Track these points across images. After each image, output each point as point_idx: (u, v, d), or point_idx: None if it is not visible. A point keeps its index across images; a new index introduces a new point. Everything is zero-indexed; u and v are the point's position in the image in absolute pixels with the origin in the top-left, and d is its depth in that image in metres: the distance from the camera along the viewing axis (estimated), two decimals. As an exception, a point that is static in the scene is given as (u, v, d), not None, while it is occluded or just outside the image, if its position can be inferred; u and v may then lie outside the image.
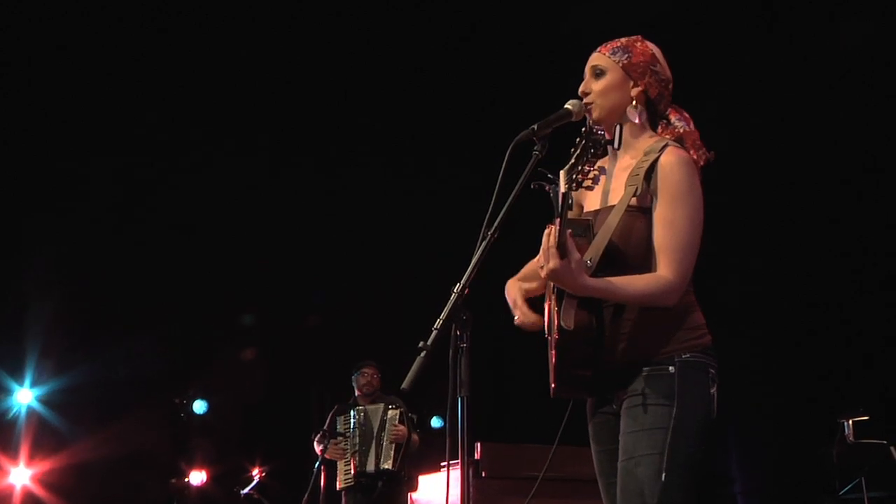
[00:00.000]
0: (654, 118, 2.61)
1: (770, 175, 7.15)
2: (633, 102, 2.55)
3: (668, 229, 2.38)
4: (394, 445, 6.48)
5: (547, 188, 2.32)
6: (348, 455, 6.57)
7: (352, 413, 6.70)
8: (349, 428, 6.65)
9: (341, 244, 8.66)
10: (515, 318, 2.58)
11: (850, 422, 6.58)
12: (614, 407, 2.49)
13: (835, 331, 7.02)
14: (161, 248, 8.43)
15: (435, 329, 2.23)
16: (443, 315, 2.24)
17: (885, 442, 6.42)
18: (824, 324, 7.06)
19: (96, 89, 7.48)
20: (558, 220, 2.26)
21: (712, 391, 2.41)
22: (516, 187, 2.36)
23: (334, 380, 7.49)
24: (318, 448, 6.59)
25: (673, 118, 2.61)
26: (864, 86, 6.45)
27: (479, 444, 5.21)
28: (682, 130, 2.58)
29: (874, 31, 6.13)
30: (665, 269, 2.37)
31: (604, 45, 2.61)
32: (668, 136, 2.56)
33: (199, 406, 8.95)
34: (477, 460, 5.16)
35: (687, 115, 2.66)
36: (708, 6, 6.73)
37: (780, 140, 6.96)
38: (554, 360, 2.44)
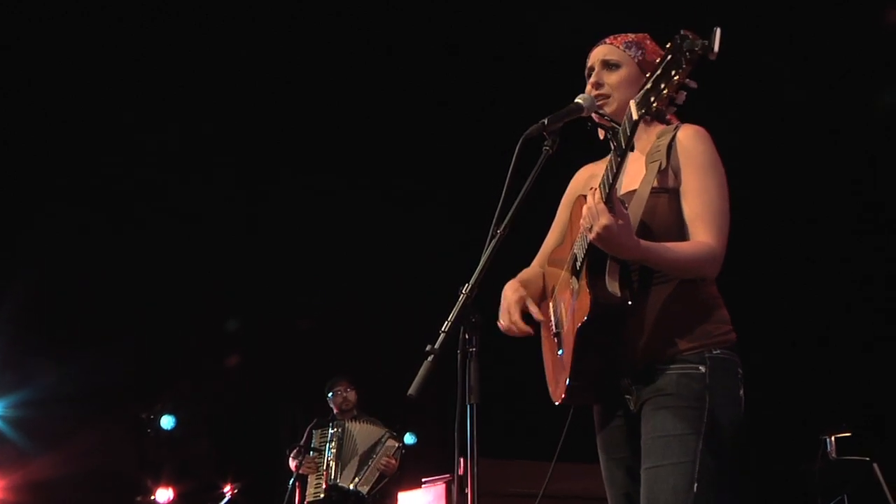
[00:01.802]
0: (662, 120, 2.50)
1: (744, 189, 7.11)
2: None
3: (701, 198, 2.27)
4: (378, 474, 6.36)
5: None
6: (321, 469, 6.43)
7: (330, 428, 6.55)
8: (325, 442, 6.51)
9: (314, 258, 8.51)
10: (501, 322, 2.44)
11: (833, 438, 6.53)
12: (631, 409, 2.33)
13: (817, 346, 6.98)
14: (128, 258, 8.23)
15: (443, 332, 2.10)
16: (451, 317, 2.12)
17: (867, 459, 6.37)
18: (806, 339, 7.02)
19: (75, 96, 7.29)
20: (606, 171, 2.13)
21: (741, 393, 2.28)
22: (526, 184, 2.25)
23: (306, 394, 7.33)
24: (292, 463, 6.45)
25: (674, 122, 2.51)
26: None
27: (462, 460, 5.06)
28: (679, 125, 2.48)
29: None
30: (705, 236, 2.25)
31: (612, 37, 2.50)
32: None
33: (167, 421, 8.75)
34: (461, 476, 5.00)
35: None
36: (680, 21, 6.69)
37: (766, 149, 6.93)
38: (568, 351, 2.29)
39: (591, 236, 2.14)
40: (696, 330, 2.26)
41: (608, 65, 2.46)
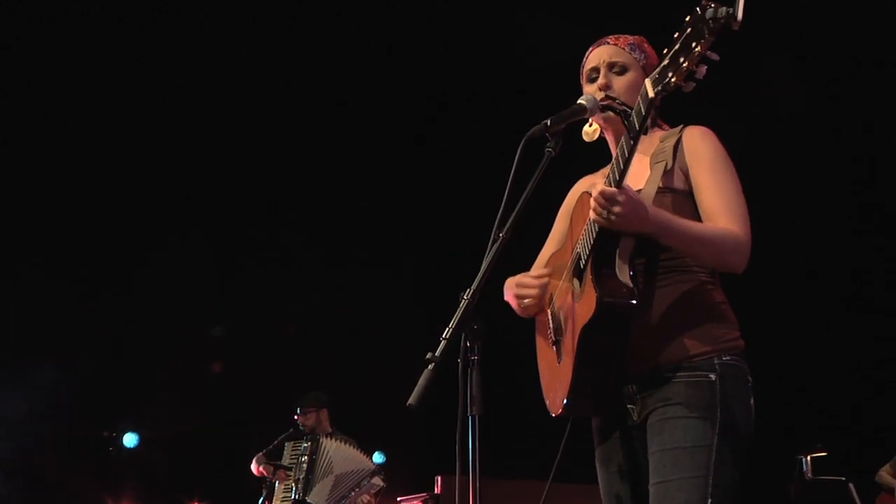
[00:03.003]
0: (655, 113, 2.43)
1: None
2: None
3: (717, 193, 2.19)
4: None
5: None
6: (290, 482, 6.24)
7: (304, 441, 6.35)
8: (297, 455, 6.31)
9: (281, 272, 8.36)
10: (525, 291, 2.34)
11: (809, 458, 6.51)
12: (634, 419, 2.23)
13: (792, 365, 6.96)
14: (91, 271, 8.01)
15: (443, 339, 2.00)
16: (452, 324, 2.02)
17: (843, 479, 6.35)
18: (781, 358, 7.00)
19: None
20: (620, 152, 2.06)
21: (752, 403, 2.20)
22: (528, 187, 2.16)
23: (275, 411, 7.13)
24: (255, 467, 6.28)
25: (666, 128, 2.44)
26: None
27: (439, 478, 4.93)
28: (683, 126, 2.41)
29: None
30: (731, 226, 2.16)
31: (613, 37, 2.42)
32: None
33: (130, 439, 8.49)
34: (437, 495, 4.88)
35: None
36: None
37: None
38: (569, 358, 2.20)
39: (612, 215, 2.04)
40: (704, 334, 2.17)
41: (616, 68, 2.37)
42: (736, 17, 1.80)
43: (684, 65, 1.87)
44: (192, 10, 6.86)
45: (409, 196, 8.18)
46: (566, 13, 6.49)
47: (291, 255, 8.40)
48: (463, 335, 2.02)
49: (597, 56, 2.40)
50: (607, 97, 2.28)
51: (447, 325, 1.99)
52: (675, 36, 1.91)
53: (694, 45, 1.86)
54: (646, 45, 2.41)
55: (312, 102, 7.70)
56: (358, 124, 7.86)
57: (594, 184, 2.45)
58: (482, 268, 2.08)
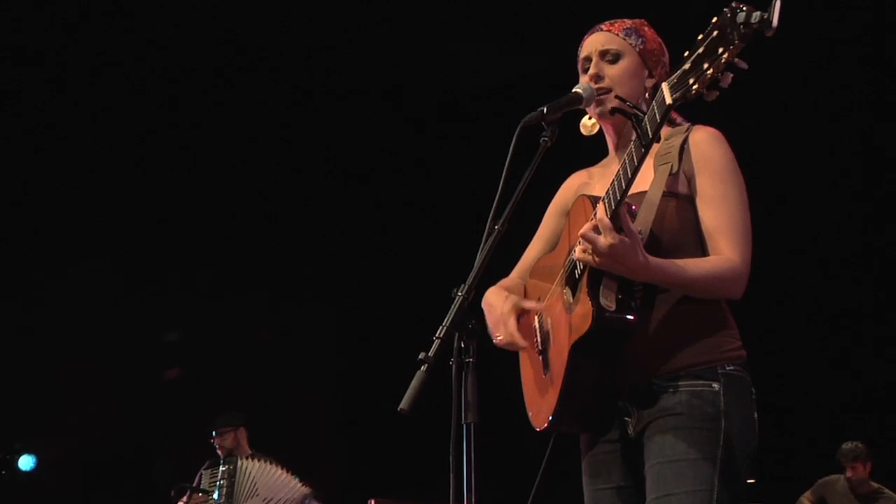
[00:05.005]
0: (670, 121, 2.30)
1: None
2: (647, 94, 2.22)
3: (720, 209, 2.06)
4: None
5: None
6: None
7: (221, 465, 6.00)
8: (215, 481, 5.96)
9: (199, 288, 8.03)
10: (497, 337, 2.14)
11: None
12: (630, 433, 2.08)
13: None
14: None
15: (437, 338, 1.82)
16: (446, 322, 1.84)
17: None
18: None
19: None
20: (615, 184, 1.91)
21: (755, 417, 2.08)
22: (524, 177, 2.02)
23: (191, 432, 6.77)
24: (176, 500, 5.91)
25: (678, 119, 2.30)
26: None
27: (373, 501, 4.68)
28: (691, 126, 2.28)
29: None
30: (729, 251, 2.03)
31: (608, 23, 2.28)
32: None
33: (26, 462, 7.99)
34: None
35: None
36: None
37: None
38: (558, 371, 2.05)
39: (594, 259, 1.91)
40: (705, 343, 2.05)
41: (609, 55, 2.22)
42: (771, 24, 1.66)
43: (708, 71, 1.72)
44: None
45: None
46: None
47: (202, 267, 8.04)
48: (457, 335, 1.84)
49: (589, 44, 2.26)
50: (617, 98, 2.13)
51: (440, 324, 1.81)
52: (699, 38, 1.75)
53: (721, 50, 1.70)
54: (645, 29, 2.27)
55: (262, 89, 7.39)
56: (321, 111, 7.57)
57: (586, 182, 2.32)
58: (477, 262, 1.91)
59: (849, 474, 6.48)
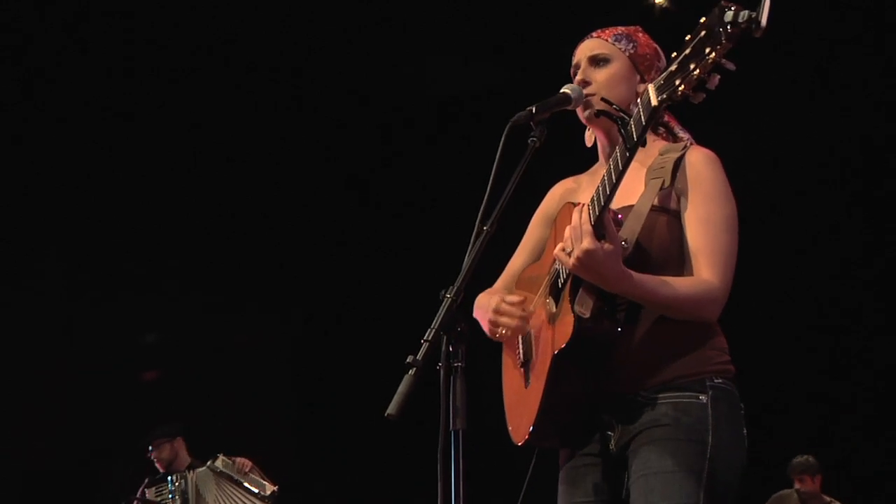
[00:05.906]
0: (656, 122, 2.25)
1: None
2: (638, 100, 2.17)
3: (705, 229, 2.02)
4: None
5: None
6: None
7: (169, 484, 5.74)
8: (164, 497, 5.74)
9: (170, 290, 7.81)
10: (503, 320, 2.08)
11: None
12: (611, 448, 2.04)
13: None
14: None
15: (425, 341, 1.77)
16: (434, 324, 1.79)
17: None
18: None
19: None
20: (601, 185, 1.89)
21: (745, 433, 2.04)
22: (512, 179, 1.97)
23: (131, 447, 6.42)
24: None
25: (676, 128, 2.27)
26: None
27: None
28: (689, 144, 2.23)
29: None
30: (708, 273, 2.00)
31: (599, 30, 2.25)
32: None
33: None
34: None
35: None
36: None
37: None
38: (539, 383, 2.01)
39: (570, 262, 1.89)
40: (693, 355, 2.01)
41: (596, 60, 2.19)
42: (760, 24, 1.63)
43: (695, 72, 1.69)
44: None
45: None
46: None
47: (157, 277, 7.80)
48: (445, 338, 1.79)
49: (580, 51, 2.23)
50: (603, 100, 2.09)
51: (429, 327, 1.76)
52: (687, 39, 1.72)
53: (708, 50, 1.67)
54: (639, 35, 2.23)
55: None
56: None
57: (571, 189, 2.29)
58: (465, 263, 1.87)
59: (797, 486, 6.43)
